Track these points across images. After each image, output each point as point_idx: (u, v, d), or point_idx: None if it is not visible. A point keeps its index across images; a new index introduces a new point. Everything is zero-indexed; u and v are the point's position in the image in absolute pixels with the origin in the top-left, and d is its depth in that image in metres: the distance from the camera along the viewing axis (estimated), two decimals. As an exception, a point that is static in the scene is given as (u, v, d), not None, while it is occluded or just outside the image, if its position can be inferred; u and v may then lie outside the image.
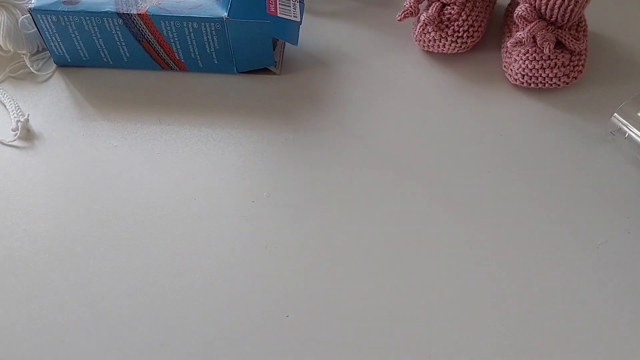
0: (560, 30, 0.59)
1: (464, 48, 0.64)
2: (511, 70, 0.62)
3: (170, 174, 0.57)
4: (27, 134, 0.61)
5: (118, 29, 0.62)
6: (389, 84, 0.65)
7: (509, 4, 0.69)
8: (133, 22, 0.61)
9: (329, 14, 0.72)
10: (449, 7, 0.63)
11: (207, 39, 0.61)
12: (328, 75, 0.65)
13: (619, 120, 0.57)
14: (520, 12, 0.59)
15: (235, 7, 0.60)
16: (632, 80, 0.63)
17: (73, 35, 0.63)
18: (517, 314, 0.48)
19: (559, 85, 0.61)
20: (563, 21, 0.59)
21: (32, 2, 0.61)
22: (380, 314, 0.49)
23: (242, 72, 0.65)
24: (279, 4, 0.62)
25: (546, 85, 0.61)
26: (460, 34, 0.63)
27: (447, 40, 0.63)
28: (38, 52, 0.67)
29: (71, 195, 0.57)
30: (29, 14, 0.62)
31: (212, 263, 0.52)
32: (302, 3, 0.63)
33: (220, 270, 0.52)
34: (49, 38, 0.63)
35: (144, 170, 0.58)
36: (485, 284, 0.50)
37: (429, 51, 0.66)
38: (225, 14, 0.59)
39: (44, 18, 0.61)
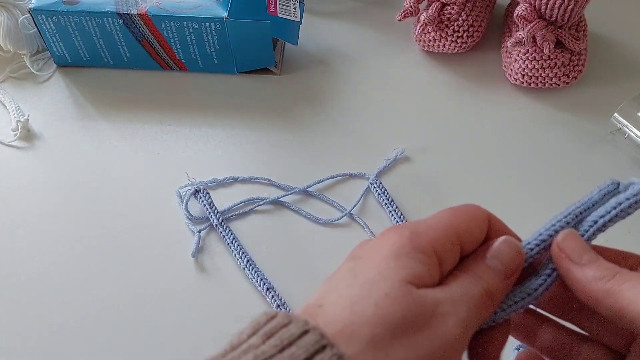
0: (560, 30, 0.59)
1: (464, 48, 0.64)
2: (511, 70, 0.62)
3: (170, 174, 0.57)
4: (27, 134, 0.61)
5: (118, 29, 0.62)
6: (389, 84, 0.65)
7: (509, 4, 0.69)
8: (133, 22, 0.61)
9: (329, 14, 0.72)
10: (449, 7, 0.63)
11: (207, 39, 0.61)
12: (328, 75, 0.65)
13: (619, 121, 0.57)
14: (520, 12, 0.59)
15: (235, 7, 0.60)
16: (632, 80, 0.63)
17: (73, 36, 0.63)
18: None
19: (559, 85, 0.61)
20: (563, 21, 0.59)
21: (32, 2, 0.61)
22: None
23: (242, 72, 0.65)
24: (279, 4, 0.62)
25: (546, 85, 0.61)
26: (460, 34, 0.63)
27: (447, 40, 0.63)
28: (38, 52, 0.67)
29: (71, 195, 0.57)
30: (29, 14, 0.62)
31: (211, 262, 0.52)
32: (302, 3, 0.63)
33: (218, 269, 0.52)
34: (49, 38, 0.63)
35: (144, 171, 0.58)
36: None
37: (429, 51, 0.66)
38: (225, 14, 0.59)
39: (44, 18, 0.61)
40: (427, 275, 0.27)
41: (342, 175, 0.57)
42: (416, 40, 0.66)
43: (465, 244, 0.30)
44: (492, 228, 0.31)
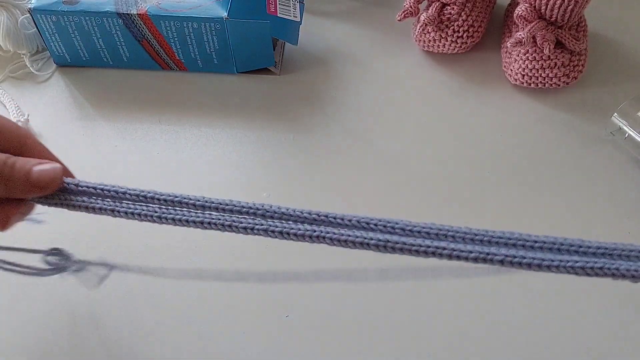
0: (560, 30, 0.59)
1: (464, 48, 0.64)
2: (511, 70, 0.62)
3: (170, 174, 0.57)
4: (27, 134, 0.61)
5: (118, 29, 0.62)
6: (389, 84, 0.65)
7: (509, 4, 0.69)
8: (133, 22, 0.61)
9: (329, 14, 0.72)
10: (449, 7, 0.63)
11: (207, 39, 0.61)
12: (328, 75, 0.65)
13: (619, 120, 0.57)
14: (520, 12, 0.59)
15: (235, 7, 0.60)
16: (632, 80, 0.63)
17: (73, 35, 0.63)
18: (513, 312, 0.48)
19: (559, 85, 0.61)
20: (563, 21, 0.59)
21: (32, 2, 0.61)
22: (382, 315, 0.49)
23: (242, 72, 0.65)
24: (279, 4, 0.62)
25: (546, 85, 0.61)
26: (460, 34, 0.63)
27: (447, 40, 0.63)
28: (38, 52, 0.67)
29: (71, 195, 0.57)
30: (28, 14, 0.62)
31: (210, 263, 0.52)
32: (302, 3, 0.63)
33: (219, 270, 0.52)
34: (49, 38, 0.63)
35: (144, 170, 0.58)
36: (484, 283, 0.50)
37: (429, 51, 0.66)
38: (225, 14, 0.59)
39: (43, 18, 0.61)
40: None
41: None
42: (416, 40, 0.66)
43: None
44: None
